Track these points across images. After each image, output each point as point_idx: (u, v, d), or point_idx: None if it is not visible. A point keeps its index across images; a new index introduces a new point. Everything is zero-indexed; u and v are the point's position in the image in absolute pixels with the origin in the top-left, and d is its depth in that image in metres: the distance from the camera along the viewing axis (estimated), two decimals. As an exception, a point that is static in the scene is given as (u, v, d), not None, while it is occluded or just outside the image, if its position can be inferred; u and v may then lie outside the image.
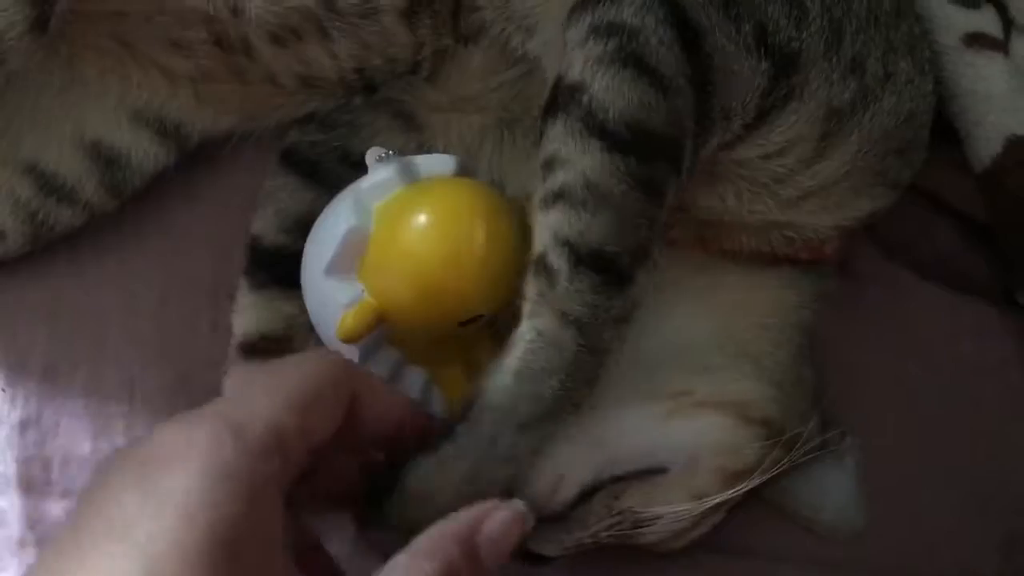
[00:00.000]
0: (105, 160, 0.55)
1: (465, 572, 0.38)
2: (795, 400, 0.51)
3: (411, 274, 0.46)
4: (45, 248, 0.56)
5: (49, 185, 0.55)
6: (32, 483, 0.54)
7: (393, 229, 0.47)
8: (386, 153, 0.51)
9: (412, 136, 0.56)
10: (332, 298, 0.47)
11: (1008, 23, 0.58)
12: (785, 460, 0.50)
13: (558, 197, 0.43)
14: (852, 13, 0.48)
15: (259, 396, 0.36)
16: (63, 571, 0.33)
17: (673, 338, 0.50)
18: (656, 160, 0.43)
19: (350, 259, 0.47)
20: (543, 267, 0.43)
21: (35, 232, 0.55)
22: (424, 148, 0.56)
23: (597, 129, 0.43)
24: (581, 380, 0.43)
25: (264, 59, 0.53)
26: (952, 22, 0.56)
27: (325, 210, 0.51)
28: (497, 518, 0.40)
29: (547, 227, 0.43)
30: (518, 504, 0.41)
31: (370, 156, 0.51)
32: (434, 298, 0.47)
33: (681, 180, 0.44)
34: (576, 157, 0.43)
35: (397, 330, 0.48)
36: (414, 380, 0.51)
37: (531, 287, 0.44)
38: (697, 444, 0.49)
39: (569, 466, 0.47)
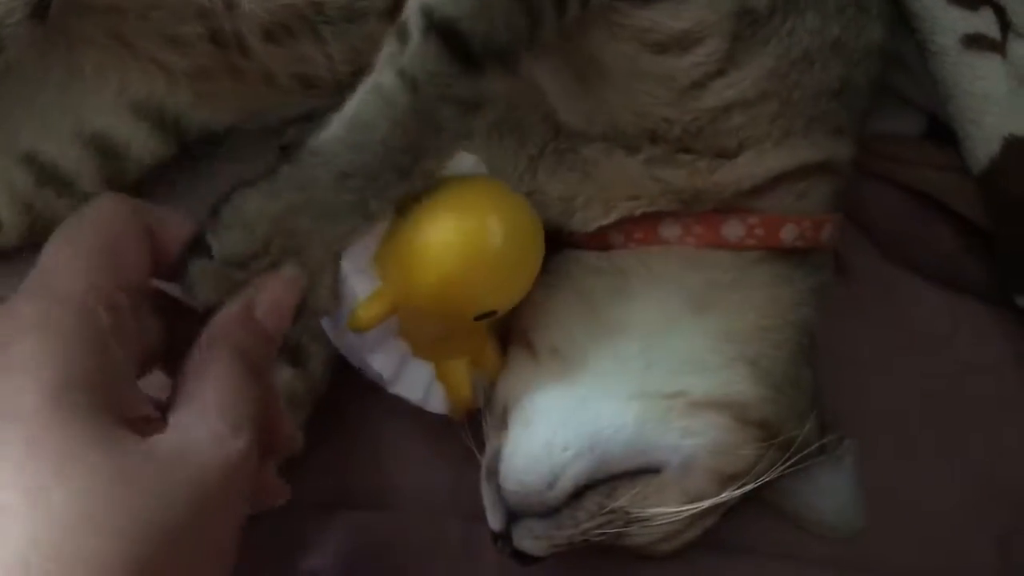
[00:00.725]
0: (104, 152, 0.56)
1: (253, 347, 0.41)
2: (793, 401, 0.51)
3: (429, 267, 0.46)
4: (43, 239, 0.56)
5: (47, 176, 0.55)
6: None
7: (412, 222, 0.46)
8: None
9: None
10: (347, 287, 0.47)
11: (1006, 25, 0.57)
12: (780, 464, 0.50)
13: None
14: None
15: (73, 264, 0.39)
16: None
17: (669, 338, 0.50)
18: None
19: (367, 249, 0.47)
20: (402, 30, 0.43)
21: (32, 223, 0.55)
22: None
23: None
24: (405, 144, 0.43)
25: (259, 57, 0.54)
26: (950, 23, 0.56)
27: None
28: (269, 288, 0.42)
29: None
30: (287, 270, 0.43)
31: None
32: (451, 292, 0.47)
33: (569, 10, 0.44)
34: None
35: (405, 323, 0.48)
36: (419, 374, 0.51)
37: (385, 48, 0.44)
38: (692, 445, 0.48)
39: (565, 464, 0.47)
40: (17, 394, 0.35)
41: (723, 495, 0.48)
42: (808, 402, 0.52)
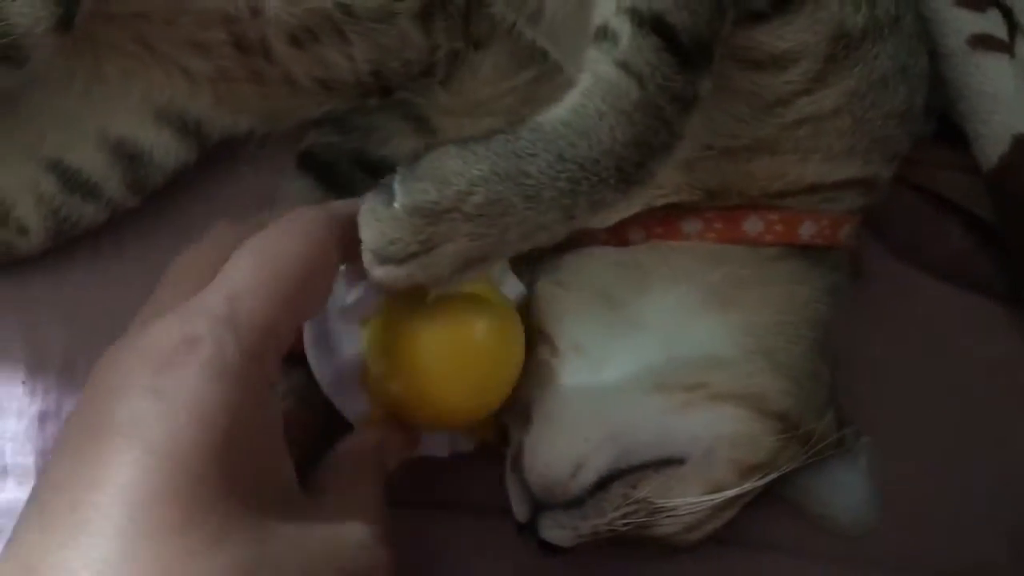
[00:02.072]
0: (128, 157, 0.56)
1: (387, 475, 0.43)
2: (811, 394, 0.52)
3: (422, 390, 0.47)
4: (66, 244, 0.57)
5: (73, 181, 0.56)
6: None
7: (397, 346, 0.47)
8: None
9: (425, 139, 0.57)
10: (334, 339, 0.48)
11: (1013, 26, 0.58)
12: (801, 455, 0.50)
13: None
14: None
15: (254, 286, 0.36)
16: (75, 472, 0.33)
17: (688, 332, 0.51)
18: None
19: (353, 381, 0.48)
20: (603, 32, 0.42)
21: (58, 228, 0.56)
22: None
23: None
24: (631, 138, 0.40)
25: (282, 60, 0.55)
26: (958, 24, 0.58)
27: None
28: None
29: (608, 1, 0.42)
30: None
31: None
32: (440, 411, 0.48)
33: (736, 11, 0.44)
34: None
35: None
36: (439, 437, 0.52)
37: (590, 53, 0.42)
38: (713, 435, 0.49)
39: (588, 454, 0.48)
40: (164, 427, 0.32)
41: (745, 486, 0.48)
42: (826, 396, 0.53)
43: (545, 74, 0.53)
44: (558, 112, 0.41)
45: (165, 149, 0.57)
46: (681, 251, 0.52)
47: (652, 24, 0.41)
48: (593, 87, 0.41)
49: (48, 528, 0.32)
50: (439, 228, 0.40)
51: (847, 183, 0.53)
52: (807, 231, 0.52)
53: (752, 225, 0.52)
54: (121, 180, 0.57)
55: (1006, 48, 0.57)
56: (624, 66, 0.41)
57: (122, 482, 0.32)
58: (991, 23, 0.58)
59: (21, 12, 0.47)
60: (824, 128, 0.50)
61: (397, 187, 0.39)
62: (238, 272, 0.37)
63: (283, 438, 0.36)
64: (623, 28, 0.41)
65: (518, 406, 0.52)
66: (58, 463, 0.34)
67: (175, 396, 0.33)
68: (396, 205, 0.39)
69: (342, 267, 0.43)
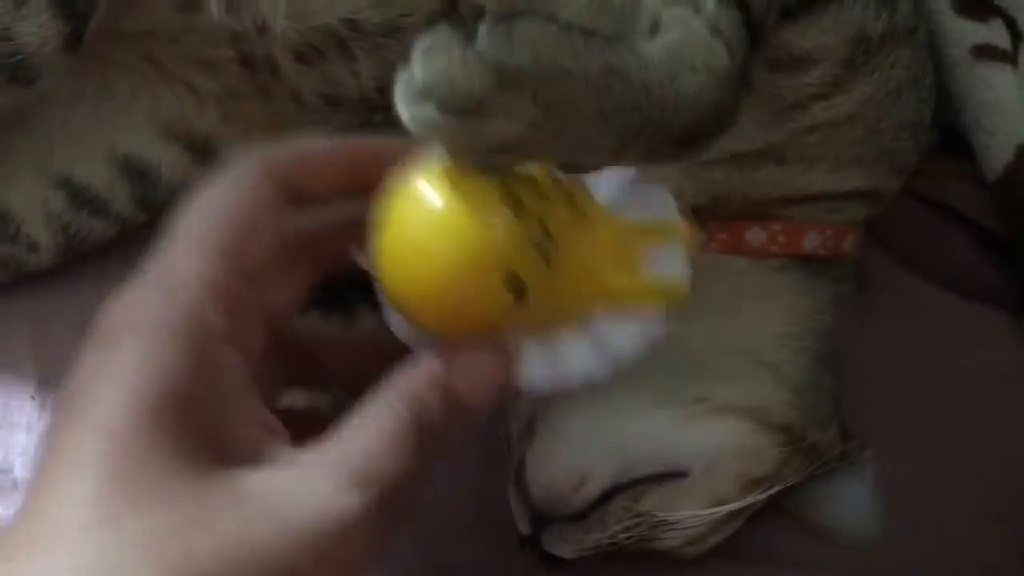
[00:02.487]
0: (136, 174, 0.57)
1: (438, 422, 0.35)
2: (814, 406, 0.52)
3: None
4: (76, 259, 0.58)
5: (81, 198, 0.56)
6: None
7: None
8: None
9: None
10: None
11: (1016, 36, 0.59)
12: (805, 467, 0.51)
13: None
14: None
15: (184, 245, 0.36)
16: (45, 464, 0.33)
17: (692, 345, 0.51)
18: None
19: None
20: None
21: (67, 244, 0.57)
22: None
23: None
24: (712, 106, 0.38)
25: (288, 77, 0.55)
26: (961, 35, 0.58)
27: None
28: (480, 363, 0.36)
29: None
30: (503, 347, 0.37)
31: None
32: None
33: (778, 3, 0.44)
34: None
35: None
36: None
37: (670, 12, 0.39)
38: (716, 448, 0.49)
39: (590, 468, 0.48)
40: (106, 404, 0.32)
41: (748, 499, 0.49)
42: (830, 408, 0.53)
43: None
44: (656, 47, 0.38)
45: (173, 165, 0.58)
46: None
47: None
48: (689, 39, 0.38)
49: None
50: (504, 98, 0.34)
51: (852, 193, 0.53)
52: (811, 242, 0.52)
53: (755, 236, 0.52)
54: (130, 196, 0.57)
55: (1009, 58, 0.58)
56: (715, 31, 0.39)
57: (68, 462, 0.32)
58: (994, 33, 0.58)
59: (30, 32, 0.47)
60: (836, 136, 0.50)
61: (484, 34, 0.34)
62: (171, 236, 0.36)
63: (245, 389, 0.35)
64: None
65: (521, 421, 0.52)
66: (43, 452, 0.34)
67: (115, 371, 0.33)
68: (475, 51, 0.34)
69: None
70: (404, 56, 0.52)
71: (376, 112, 0.57)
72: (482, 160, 0.37)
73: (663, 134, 0.37)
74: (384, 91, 0.55)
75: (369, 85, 0.55)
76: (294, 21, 0.52)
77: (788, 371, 0.51)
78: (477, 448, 0.54)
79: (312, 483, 0.32)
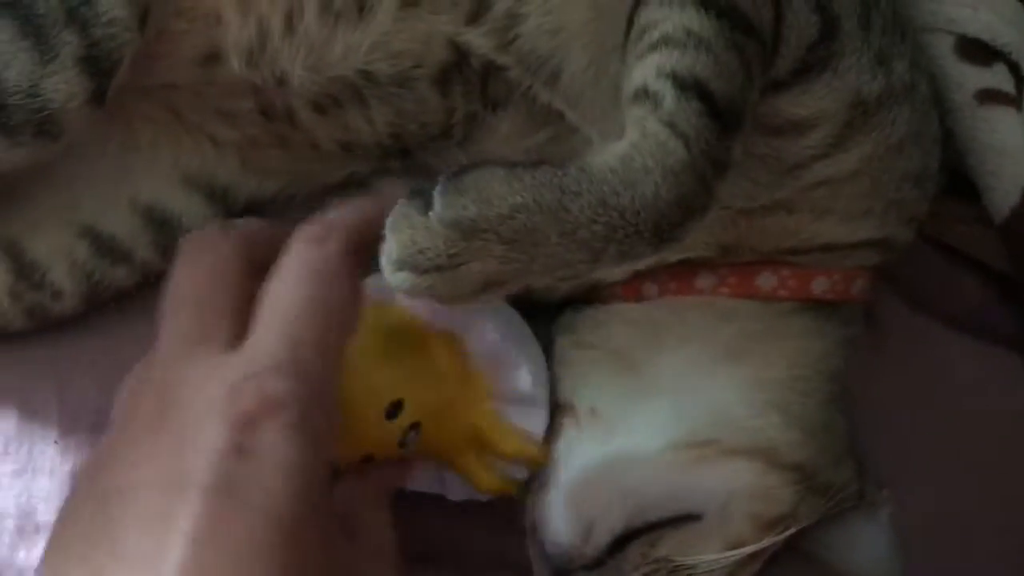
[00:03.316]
0: (158, 222, 0.58)
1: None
2: (827, 445, 0.52)
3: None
4: (98, 305, 0.59)
5: (105, 247, 0.58)
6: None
7: None
8: None
9: None
10: None
11: (1020, 80, 0.59)
12: (822, 507, 0.51)
13: (656, 45, 0.43)
14: (880, 10, 0.51)
15: (313, 336, 0.38)
16: (158, 530, 0.34)
17: (700, 389, 0.52)
18: (746, 35, 0.44)
19: None
20: (644, 94, 0.42)
21: (91, 291, 0.58)
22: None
23: None
24: (675, 197, 0.41)
25: (306, 126, 0.57)
26: (964, 80, 0.59)
27: None
28: None
29: (646, 67, 0.43)
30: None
31: None
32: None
33: (761, 80, 0.45)
34: (674, 14, 0.43)
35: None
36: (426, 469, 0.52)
37: (632, 112, 0.43)
38: (727, 490, 0.49)
39: (599, 514, 0.49)
40: (264, 490, 0.34)
41: (765, 540, 0.49)
42: (843, 447, 0.53)
43: (561, 134, 0.55)
44: (606, 158, 0.42)
45: (194, 213, 0.59)
46: (694, 307, 0.52)
47: (696, 90, 0.42)
48: (641, 142, 0.42)
49: None
50: (471, 245, 0.40)
51: (862, 243, 0.54)
52: (820, 286, 0.53)
53: (765, 280, 0.53)
54: (151, 244, 0.58)
55: (1013, 102, 0.58)
56: (671, 126, 0.41)
57: (227, 539, 0.33)
58: (997, 78, 0.59)
59: (57, 88, 0.49)
60: (841, 190, 0.51)
61: (437, 197, 0.40)
62: (292, 311, 0.38)
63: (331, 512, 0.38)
64: (666, 91, 0.42)
65: (541, 475, 0.53)
66: (127, 523, 0.35)
67: (268, 455, 0.34)
68: (432, 215, 0.40)
69: None
70: (417, 104, 0.54)
71: (391, 159, 0.59)
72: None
73: (632, 236, 0.41)
74: (398, 137, 0.58)
75: (384, 132, 0.57)
76: (312, 73, 0.54)
77: (797, 411, 0.51)
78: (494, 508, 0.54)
79: None
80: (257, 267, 0.42)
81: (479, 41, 0.52)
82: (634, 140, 0.42)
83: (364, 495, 0.44)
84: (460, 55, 0.53)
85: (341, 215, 0.44)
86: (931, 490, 0.57)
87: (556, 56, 0.51)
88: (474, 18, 0.52)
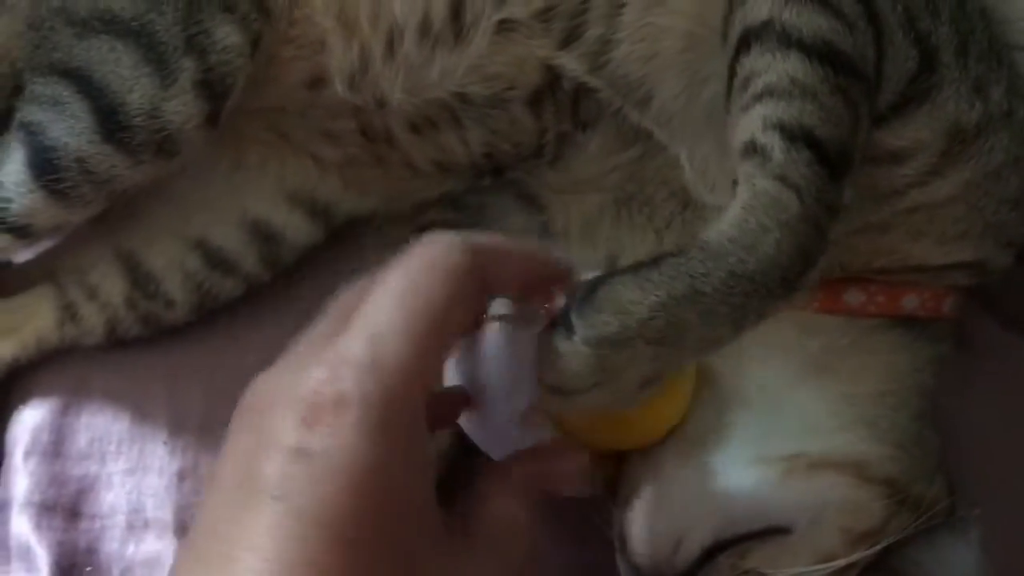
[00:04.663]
0: (264, 236, 0.62)
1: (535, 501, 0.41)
2: (917, 460, 0.52)
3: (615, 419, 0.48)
4: (207, 315, 0.62)
5: (215, 259, 0.61)
6: (188, 528, 0.59)
7: None
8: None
9: (534, 215, 0.61)
10: (511, 438, 0.47)
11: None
12: (912, 521, 0.50)
13: (761, 96, 0.44)
14: (976, 37, 0.51)
15: (394, 327, 0.35)
16: (228, 523, 0.34)
17: (787, 403, 0.52)
18: (850, 76, 0.44)
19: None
20: (752, 148, 0.43)
21: (201, 301, 0.61)
22: (546, 227, 0.60)
23: (795, 43, 0.44)
24: (795, 248, 0.42)
25: (403, 146, 0.59)
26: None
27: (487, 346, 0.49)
28: (567, 461, 0.43)
29: (753, 119, 0.44)
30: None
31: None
32: (630, 427, 0.50)
33: (869, 118, 0.45)
34: (777, 64, 0.44)
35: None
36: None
37: (742, 168, 0.43)
38: (817, 503, 0.49)
39: (688, 527, 0.49)
40: (317, 496, 0.33)
41: (855, 554, 0.48)
42: (934, 463, 0.53)
43: (649, 152, 0.56)
44: (722, 228, 0.42)
45: (296, 229, 0.62)
46: (781, 321, 0.52)
47: (804, 139, 0.43)
48: (754, 201, 0.42)
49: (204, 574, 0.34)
50: (621, 356, 0.41)
51: (956, 265, 0.53)
52: (909, 303, 0.53)
53: (854, 296, 0.53)
54: (257, 257, 0.62)
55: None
56: (782, 179, 0.42)
57: (271, 547, 0.33)
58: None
59: (176, 111, 0.52)
60: (937, 214, 0.51)
61: (576, 321, 0.41)
62: (377, 312, 0.36)
63: (432, 483, 0.36)
64: (774, 143, 0.43)
65: (623, 490, 0.53)
66: (213, 507, 0.36)
67: (323, 458, 0.34)
68: (577, 339, 0.41)
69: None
70: (510, 124, 0.56)
71: (483, 176, 0.61)
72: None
73: (764, 297, 0.42)
74: (491, 157, 0.60)
75: (478, 152, 0.59)
76: (410, 95, 0.56)
77: (887, 426, 0.51)
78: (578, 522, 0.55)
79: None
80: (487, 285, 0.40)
81: (572, 64, 0.54)
82: (746, 201, 0.42)
83: (501, 491, 0.42)
84: (553, 77, 0.55)
85: (478, 238, 0.41)
86: (1014, 510, 0.56)
87: (648, 82, 0.53)
88: (567, 43, 0.54)
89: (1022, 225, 0.55)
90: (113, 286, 0.61)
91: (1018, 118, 0.53)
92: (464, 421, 0.48)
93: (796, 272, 0.42)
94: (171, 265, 0.61)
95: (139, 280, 0.61)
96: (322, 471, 0.33)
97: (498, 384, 0.46)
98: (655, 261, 0.42)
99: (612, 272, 0.43)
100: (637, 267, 0.42)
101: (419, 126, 0.58)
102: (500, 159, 0.60)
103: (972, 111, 0.50)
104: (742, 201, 0.43)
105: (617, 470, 0.54)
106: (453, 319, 0.38)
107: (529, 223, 0.60)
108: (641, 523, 0.50)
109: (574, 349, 0.41)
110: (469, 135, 0.58)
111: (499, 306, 0.46)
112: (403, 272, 0.37)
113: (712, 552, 0.49)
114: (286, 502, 0.33)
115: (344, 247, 0.64)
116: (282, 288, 0.63)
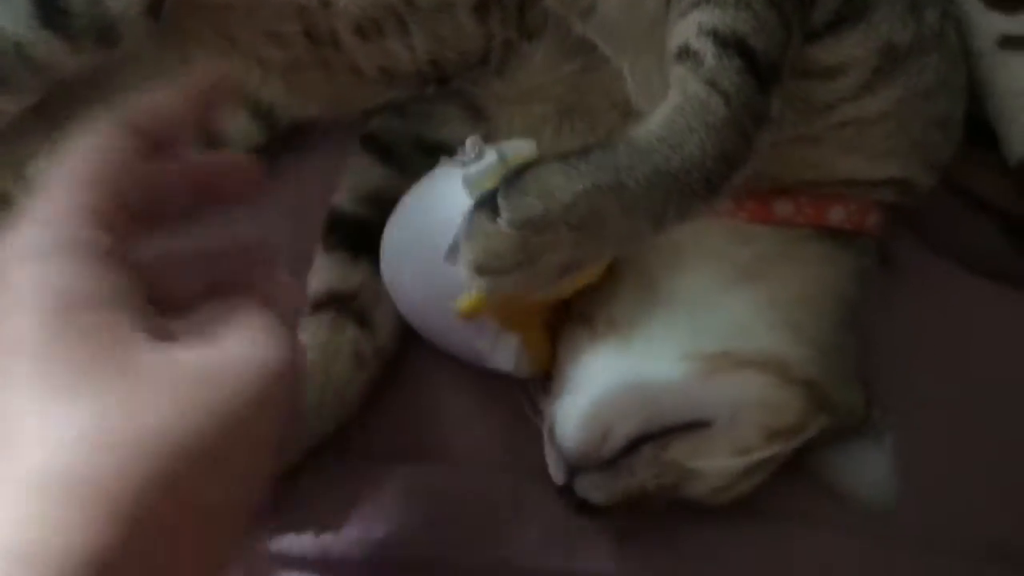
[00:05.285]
0: (205, 136, 0.61)
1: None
2: (836, 365, 0.54)
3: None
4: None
5: None
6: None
7: None
8: (479, 142, 0.53)
9: (479, 125, 0.61)
10: (451, 280, 0.48)
11: (1044, 28, 0.61)
12: (827, 424, 0.52)
13: (698, 2, 0.45)
14: None
15: (60, 187, 0.37)
16: None
17: (716, 306, 0.53)
18: None
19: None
20: (686, 53, 0.45)
21: None
22: (489, 136, 0.61)
23: None
24: (719, 152, 0.43)
25: (349, 50, 0.59)
26: (988, 26, 0.60)
27: (420, 194, 0.54)
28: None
29: (688, 24, 0.45)
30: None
31: (470, 144, 0.53)
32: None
33: (799, 34, 0.47)
34: None
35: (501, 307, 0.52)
36: (508, 345, 0.54)
37: (675, 71, 0.45)
38: (739, 399, 0.51)
39: (616, 419, 0.51)
40: (21, 328, 0.33)
41: (772, 449, 0.51)
42: (853, 370, 0.55)
43: (592, 64, 0.57)
44: (651, 128, 0.44)
45: (239, 130, 0.62)
46: (713, 229, 0.54)
47: (736, 47, 0.44)
48: (683, 103, 0.44)
49: None
50: (544, 239, 0.43)
51: (884, 182, 0.55)
52: (836, 216, 0.55)
53: (782, 207, 0.54)
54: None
55: (1035, 48, 0.60)
56: (712, 84, 0.44)
57: None
58: (1021, 25, 0.60)
59: None
60: (868, 130, 0.53)
61: (502, 202, 0.42)
62: (43, 188, 0.37)
63: (137, 295, 0.35)
64: (707, 48, 0.44)
65: (554, 379, 0.55)
66: None
67: (17, 298, 0.34)
68: (501, 220, 0.42)
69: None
70: (455, 31, 0.57)
71: (429, 84, 0.61)
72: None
73: (686, 196, 0.43)
74: (436, 64, 0.60)
75: (423, 58, 0.59)
76: None
77: (809, 330, 0.53)
78: (507, 401, 0.57)
79: (235, 350, 0.35)
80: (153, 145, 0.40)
81: None
82: (676, 102, 0.44)
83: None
84: None
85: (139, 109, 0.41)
86: (937, 421, 0.59)
87: None
88: None
89: (947, 148, 0.57)
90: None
91: (950, 41, 0.55)
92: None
93: (719, 175, 0.44)
94: None
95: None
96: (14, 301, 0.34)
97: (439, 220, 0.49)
98: (583, 151, 0.43)
99: (540, 158, 0.44)
100: (565, 155, 0.43)
101: (365, 29, 0.58)
102: (446, 67, 0.60)
103: (905, 31, 0.51)
104: (672, 102, 0.44)
105: (549, 363, 0.56)
106: (121, 179, 0.37)
107: (473, 132, 0.61)
108: (571, 414, 0.51)
109: (498, 230, 0.42)
110: (415, 41, 0.58)
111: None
112: (67, 155, 0.38)
113: (636, 443, 0.51)
114: None
115: (287, 154, 0.64)
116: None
